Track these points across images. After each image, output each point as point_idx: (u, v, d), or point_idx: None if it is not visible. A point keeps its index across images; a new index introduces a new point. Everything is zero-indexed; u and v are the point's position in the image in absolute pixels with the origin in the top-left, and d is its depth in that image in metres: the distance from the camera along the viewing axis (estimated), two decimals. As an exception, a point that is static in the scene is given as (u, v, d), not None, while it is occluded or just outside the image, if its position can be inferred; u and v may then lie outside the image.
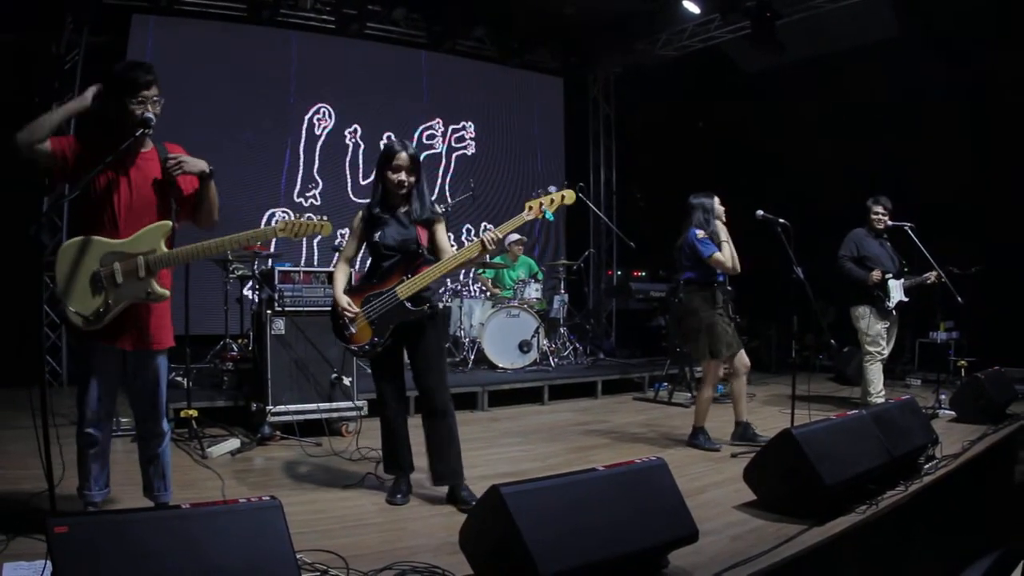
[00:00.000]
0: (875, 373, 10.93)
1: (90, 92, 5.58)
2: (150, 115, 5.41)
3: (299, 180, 15.85)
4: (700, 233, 9.12)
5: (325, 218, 6.10)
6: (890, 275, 10.78)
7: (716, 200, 9.35)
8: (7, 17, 12.16)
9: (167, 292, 5.58)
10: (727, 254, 9.06)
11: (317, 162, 16.05)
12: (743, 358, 9.35)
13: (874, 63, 15.13)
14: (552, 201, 6.75)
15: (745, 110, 17.72)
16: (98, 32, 13.49)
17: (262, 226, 13.71)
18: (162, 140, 5.78)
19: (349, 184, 16.38)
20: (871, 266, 10.80)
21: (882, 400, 10.59)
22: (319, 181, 16.01)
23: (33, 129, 5.32)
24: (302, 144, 15.92)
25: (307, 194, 15.87)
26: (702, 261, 9.10)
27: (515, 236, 14.95)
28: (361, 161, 16.44)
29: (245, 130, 14.93)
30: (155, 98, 5.56)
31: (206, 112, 14.24)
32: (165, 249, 5.51)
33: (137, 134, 5.35)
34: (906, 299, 10.88)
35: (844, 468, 6.47)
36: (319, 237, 15.11)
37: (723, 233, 9.22)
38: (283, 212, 15.43)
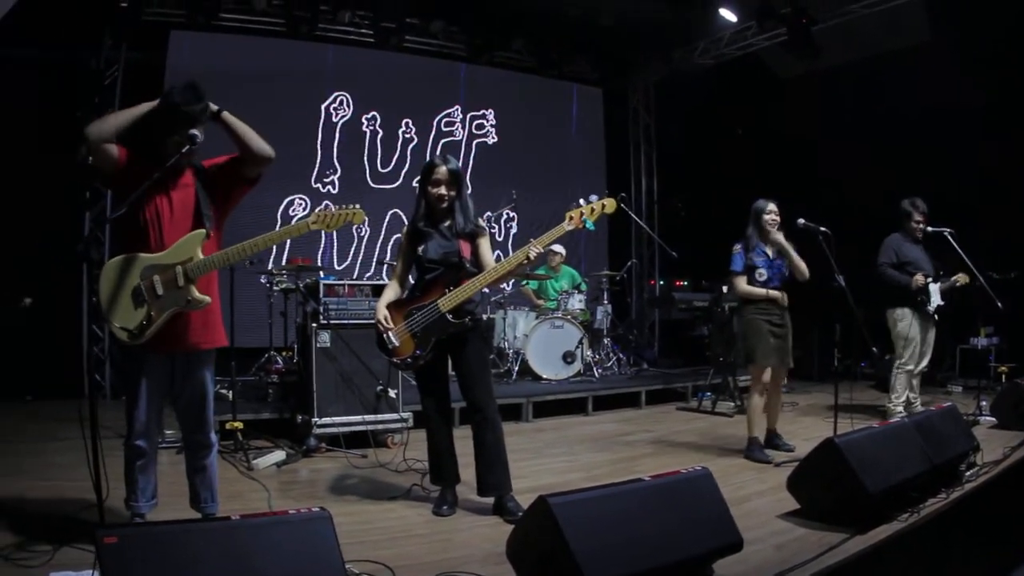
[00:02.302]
0: (904, 382, 10.89)
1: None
2: (196, 132, 5.48)
3: (317, 166, 15.99)
4: (736, 247, 9.26)
5: (357, 206, 6.06)
6: (930, 279, 10.73)
7: (770, 205, 9.30)
8: (48, 33, 12.29)
9: (207, 299, 5.65)
10: (746, 290, 9.27)
11: (336, 148, 16.17)
12: (779, 374, 9.36)
13: (909, 67, 15.08)
14: (592, 210, 6.76)
15: (783, 116, 17.70)
16: (137, 48, 13.63)
17: (279, 212, 13.89)
18: (202, 156, 5.85)
19: (367, 170, 16.49)
20: (912, 271, 10.73)
21: (901, 410, 10.59)
22: (337, 167, 16.14)
23: (104, 125, 5.51)
24: (320, 130, 16.05)
25: (324, 180, 15.99)
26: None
27: (555, 247, 14.95)
28: (380, 148, 16.58)
29: (282, 144, 15.01)
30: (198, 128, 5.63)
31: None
32: (201, 256, 5.59)
33: (183, 150, 5.44)
34: (943, 303, 10.83)
35: (886, 476, 6.47)
36: (360, 239, 15.31)
37: (770, 247, 9.24)
38: (301, 198, 15.66)
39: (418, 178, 7.13)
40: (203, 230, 5.65)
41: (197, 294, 5.58)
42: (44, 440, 9.24)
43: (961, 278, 11.00)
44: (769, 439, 9.40)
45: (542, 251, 6.70)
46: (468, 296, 6.79)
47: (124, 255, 5.57)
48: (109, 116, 5.57)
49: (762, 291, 9.16)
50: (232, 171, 5.98)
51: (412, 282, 7.31)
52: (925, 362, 10.98)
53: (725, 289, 13.81)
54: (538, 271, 14.97)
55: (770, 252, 9.19)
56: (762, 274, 9.17)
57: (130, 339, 5.52)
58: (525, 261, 6.65)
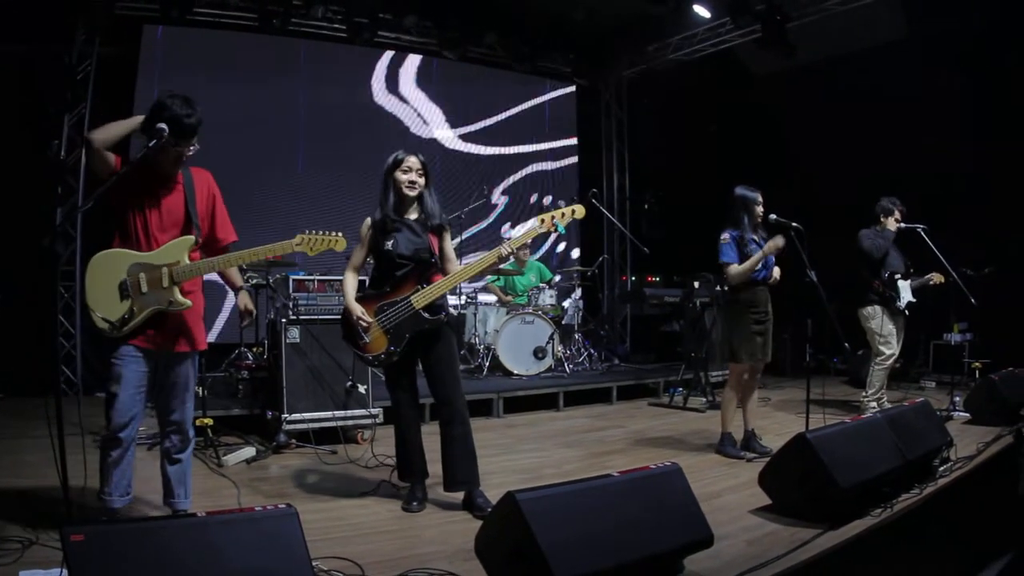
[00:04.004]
0: (882, 377, 10.98)
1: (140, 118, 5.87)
2: (163, 125, 5.54)
3: (290, 160, 15.93)
4: (724, 236, 8.92)
5: (340, 234, 6.22)
6: (899, 275, 10.76)
7: (759, 196, 9.06)
8: (20, 28, 12.22)
9: (188, 302, 5.78)
10: (746, 266, 8.78)
11: (309, 142, 16.12)
12: (757, 367, 9.19)
13: (883, 64, 15.11)
14: (563, 215, 6.85)
15: (757, 113, 17.71)
16: (110, 42, 13.55)
17: (255, 204, 13.81)
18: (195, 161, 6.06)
19: (340, 165, 16.34)
20: (883, 268, 10.78)
21: (875, 405, 10.65)
22: (311, 161, 16.09)
23: (106, 132, 5.71)
24: (294, 124, 16.00)
25: (298, 173, 15.94)
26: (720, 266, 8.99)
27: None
28: (352, 142, 16.48)
29: (256, 138, 14.99)
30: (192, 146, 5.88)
31: (217, 121, 14.30)
32: (188, 261, 5.75)
33: (151, 143, 5.51)
34: (914, 300, 10.86)
35: (859, 471, 6.48)
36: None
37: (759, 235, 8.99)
38: (277, 191, 15.56)
39: (386, 167, 7.05)
40: (192, 237, 5.87)
41: (179, 296, 5.74)
42: (16, 437, 9.19)
43: (936, 277, 11.06)
44: (746, 441, 9.30)
45: (514, 251, 6.78)
46: (441, 293, 6.84)
47: (114, 249, 5.78)
48: (111, 124, 5.75)
49: (758, 257, 8.74)
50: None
51: (370, 274, 7.37)
52: (892, 360, 11.00)
53: (697, 285, 13.82)
54: (506, 267, 14.95)
55: (758, 239, 9.03)
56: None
57: (110, 330, 5.68)
58: (497, 260, 6.74)
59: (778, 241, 8.61)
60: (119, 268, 5.71)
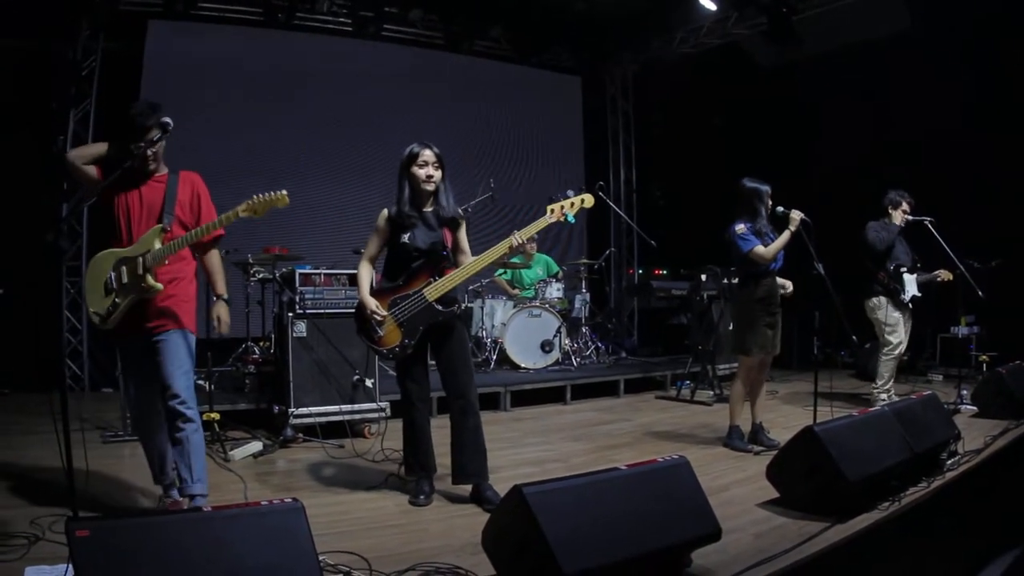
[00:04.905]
0: (891, 368, 10.98)
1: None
2: (167, 120, 5.86)
3: (296, 155, 15.68)
4: (740, 228, 8.84)
5: (284, 192, 6.20)
6: (904, 269, 10.74)
7: (768, 188, 9.00)
8: (25, 23, 12.22)
9: (159, 285, 6.04)
10: (776, 245, 8.75)
11: (315, 137, 16.00)
12: (766, 361, 9.18)
13: (889, 57, 15.06)
14: (572, 205, 6.91)
15: (763, 106, 17.65)
16: (114, 38, 13.54)
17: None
18: (177, 147, 6.33)
19: (346, 160, 16.34)
20: (889, 260, 10.78)
21: (885, 397, 10.67)
22: (317, 156, 15.96)
23: (83, 151, 6.26)
24: (299, 119, 15.84)
25: (303, 169, 15.69)
26: (743, 256, 8.90)
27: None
28: (358, 137, 16.42)
29: (262, 133, 14.96)
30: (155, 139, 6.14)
31: (221, 116, 14.27)
32: (158, 247, 6.01)
33: (156, 138, 5.90)
34: (919, 294, 10.84)
35: (867, 465, 6.46)
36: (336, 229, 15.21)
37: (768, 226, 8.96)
38: (282, 187, 15.25)
39: (402, 162, 7.07)
40: (160, 225, 6.11)
41: (151, 281, 6.02)
42: (23, 434, 9.18)
43: (944, 274, 11.04)
44: (754, 434, 9.29)
45: (524, 242, 6.84)
46: (454, 285, 6.89)
47: (108, 250, 6.21)
48: (86, 145, 6.45)
49: (787, 236, 8.73)
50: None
51: (383, 267, 7.36)
52: (900, 350, 10.99)
53: (704, 278, 13.82)
54: (513, 260, 14.92)
55: (768, 231, 9.00)
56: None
57: (100, 323, 6.21)
58: (507, 251, 6.80)
59: (799, 212, 8.66)
60: (107, 265, 6.15)
